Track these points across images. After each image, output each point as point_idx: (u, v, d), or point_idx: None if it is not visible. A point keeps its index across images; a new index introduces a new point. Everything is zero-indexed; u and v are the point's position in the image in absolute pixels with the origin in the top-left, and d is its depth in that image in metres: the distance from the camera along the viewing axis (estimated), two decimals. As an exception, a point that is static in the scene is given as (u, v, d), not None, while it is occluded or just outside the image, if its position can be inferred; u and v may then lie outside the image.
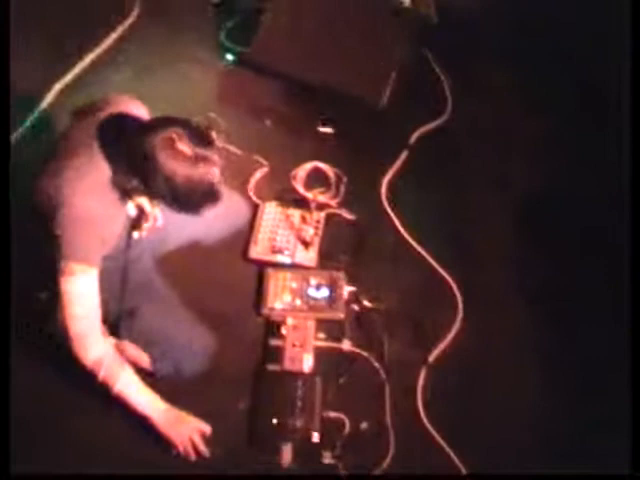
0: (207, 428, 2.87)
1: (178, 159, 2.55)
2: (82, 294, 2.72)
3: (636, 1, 3.25)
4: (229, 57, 4.28)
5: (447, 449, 2.97)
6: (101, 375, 2.74)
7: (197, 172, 2.58)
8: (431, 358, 3.18)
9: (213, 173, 2.62)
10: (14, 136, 3.84)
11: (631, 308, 2.72)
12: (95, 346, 2.74)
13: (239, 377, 3.13)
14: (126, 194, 2.76)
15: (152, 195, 2.72)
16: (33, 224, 2.74)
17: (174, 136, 2.56)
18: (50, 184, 2.67)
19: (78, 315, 2.71)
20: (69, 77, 4.12)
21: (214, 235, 3.41)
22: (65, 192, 2.63)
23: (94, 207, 2.66)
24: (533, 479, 2.94)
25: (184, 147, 2.56)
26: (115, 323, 2.99)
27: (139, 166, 2.60)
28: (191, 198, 2.64)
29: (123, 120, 2.78)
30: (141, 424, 2.84)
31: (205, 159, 2.60)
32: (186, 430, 2.85)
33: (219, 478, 2.92)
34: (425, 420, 3.03)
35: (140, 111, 2.93)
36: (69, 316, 2.71)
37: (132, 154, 2.61)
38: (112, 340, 2.93)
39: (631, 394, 2.59)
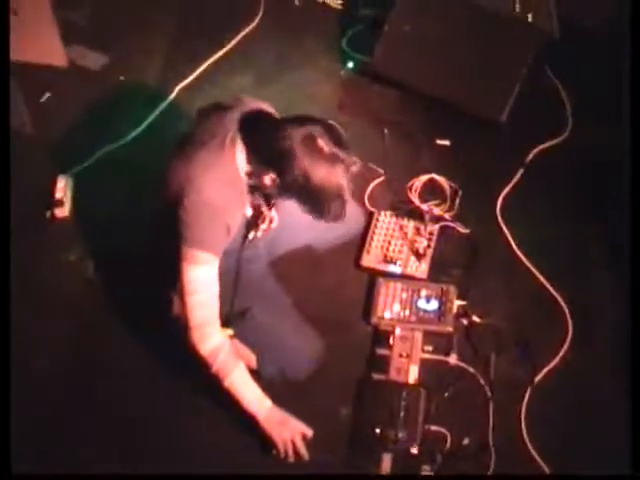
0: (309, 431, 2.89)
1: (316, 157, 2.63)
2: (205, 282, 2.78)
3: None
4: (350, 65, 4.31)
5: (547, 471, 2.91)
6: (215, 367, 2.79)
7: (333, 171, 2.65)
8: (538, 378, 3.14)
9: (345, 176, 2.70)
10: (134, 133, 3.96)
11: (631, 307, 2.74)
12: (213, 336, 2.80)
13: (344, 384, 3.15)
14: (255, 189, 2.83)
15: (285, 190, 2.76)
16: (162, 217, 2.83)
17: (315, 134, 2.63)
18: (180, 174, 2.75)
19: (200, 304, 2.77)
20: (191, 78, 4.22)
21: (328, 241, 3.45)
22: (195, 180, 2.71)
23: (222, 196, 2.73)
24: (534, 479, 2.93)
25: (324, 145, 2.62)
26: (227, 321, 3.03)
27: (276, 160, 2.68)
28: (321, 198, 2.71)
29: (261, 116, 2.85)
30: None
31: (341, 160, 2.66)
32: (288, 432, 2.87)
33: (225, 478, 2.95)
34: (528, 441, 2.98)
35: (272, 111, 2.98)
36: (190, 304, 2.77)
37: (271, 148, 2.68)
38: (229, 331, 2.97)
39: (631, 394, 2.61)
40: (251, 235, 3.11)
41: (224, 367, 2.80)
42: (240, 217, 2.94)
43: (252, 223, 3.11)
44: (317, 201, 2.73)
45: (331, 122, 2.74)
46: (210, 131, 2.82)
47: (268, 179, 2.73)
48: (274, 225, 3.22)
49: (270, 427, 2.86)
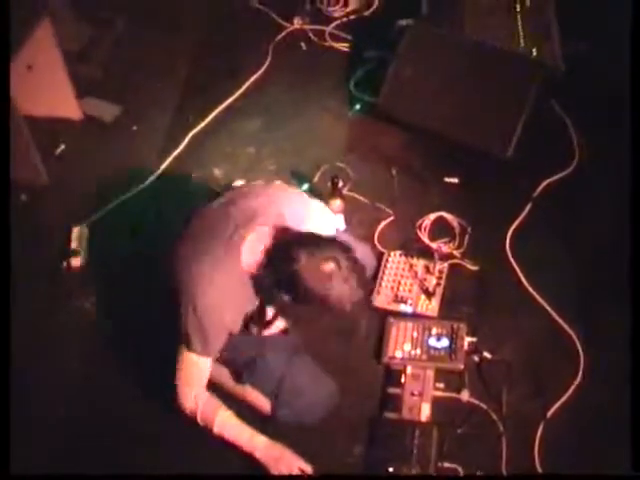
0: (308, 468, 2.91)
1: (325, 281, 2.66)
2: (196, 371, 2.87)
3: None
4: (357, 107, 4.35)
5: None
6: (199, 420, 2.88)
7: (342, 288, 2.69)
8: (550, 413, 3.14)
9: (356, 290, 2.73)
10: (147, 182, 4.03)
11: (631, 311, 2.75)
12: (192, 398, 2.88)
13: (357, 423, 3.17)
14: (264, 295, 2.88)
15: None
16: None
17: (323, 260, 2.66)
18: (184, 269, 2.80)
19: (188, 382, 2.88)
20: (202, 126, 4.29)
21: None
22: (198, 283, 2.75)
23: (226, 301, 2.78)
24: (533, 479, 2.94)
25: (332, 267, 2.66)
26: (239, 369, 3.08)
27: (289, 285, 2.71)
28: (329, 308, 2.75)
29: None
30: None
31: (352, 276, 2.70)
32: (286, 468, 2.89)
33: (220, 478, 3.01)
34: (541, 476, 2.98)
35: (294, 208, 2.98)
36: (180, 379, 2.88)
37: (283, 273, 2.70)
38: (226, 371, 3.08)
39: (631, 394, 2.59)
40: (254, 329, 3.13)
41: (206, 418, 2.88)
42: (243, 315, 2.97)
43: (255, 318, 3.10)
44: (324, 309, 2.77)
45: (343, 243, 2.79)
46: (217, 227, 2.85)
47: (283, 298, 2.77)
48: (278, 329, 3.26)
49: (268, 463, 2.89)
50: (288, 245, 2.71)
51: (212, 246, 2.79)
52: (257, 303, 2.96)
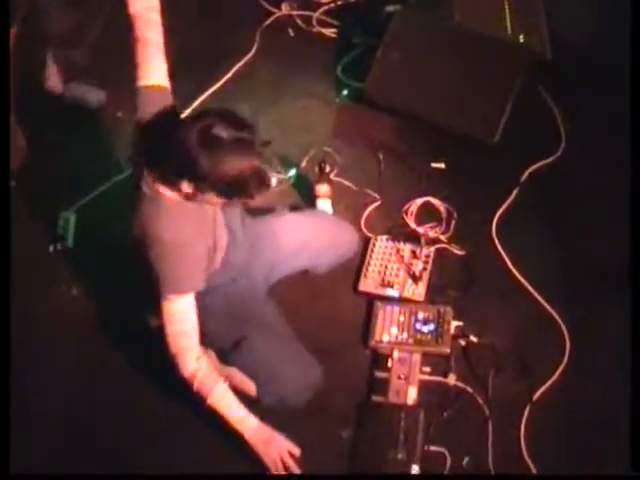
0: (296, 450, 2.89)
1: (218, 148, 2.56)
2: (181, 313, 2.80)
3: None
4: (345, 92, 4.35)
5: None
6: (195, 386, 2.83)
7: (240, 155, 2.60)
8: (536, 396, 3.16)
9: (254, 155, 2.63)
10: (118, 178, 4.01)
11: (631, 311, 2.75)
12: (191, 362, 2.83)
13: (344, 407, 3.19)
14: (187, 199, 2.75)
15: (204, 189, 2.66)
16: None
17: (208, 125, 2.56)
18: (136, 224, 2.80)
19: (177, 334, 2.81)
20: (188, 112, 4.25)
21: (323, 265, 3.48)
22: (149, 229, 2.74)
23: (181, 235, 2.74)
24: (533, 479, 2.96)
25: (222, 133, 2.56)
26: (224, 351, 3.08)
27: (182, 167, 2.61)
28: (239, 185, 2.64)
29: (154, 125, 2.75)
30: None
31: (244, 142, 2.60)
32: (276, 451, 2.87)
33: (217, 478, 3.02)
34: (527, 458, 3.00)
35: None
36: (169, 334, 2.80)
37: (172, 158, 2.61)
38: (212, 353, 3.05)
39: (631, 394, 2.59)
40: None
41: (203, 387, 2.83)
42: (206, 242, 2.91)
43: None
44: (236, 189, 2.66)
45: (225, 108, 2.71)
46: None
47: (186, 187, 2.65)
48: None
49: (257, 446, 2.87)
50: (169, 131, 2.64)
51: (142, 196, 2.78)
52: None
